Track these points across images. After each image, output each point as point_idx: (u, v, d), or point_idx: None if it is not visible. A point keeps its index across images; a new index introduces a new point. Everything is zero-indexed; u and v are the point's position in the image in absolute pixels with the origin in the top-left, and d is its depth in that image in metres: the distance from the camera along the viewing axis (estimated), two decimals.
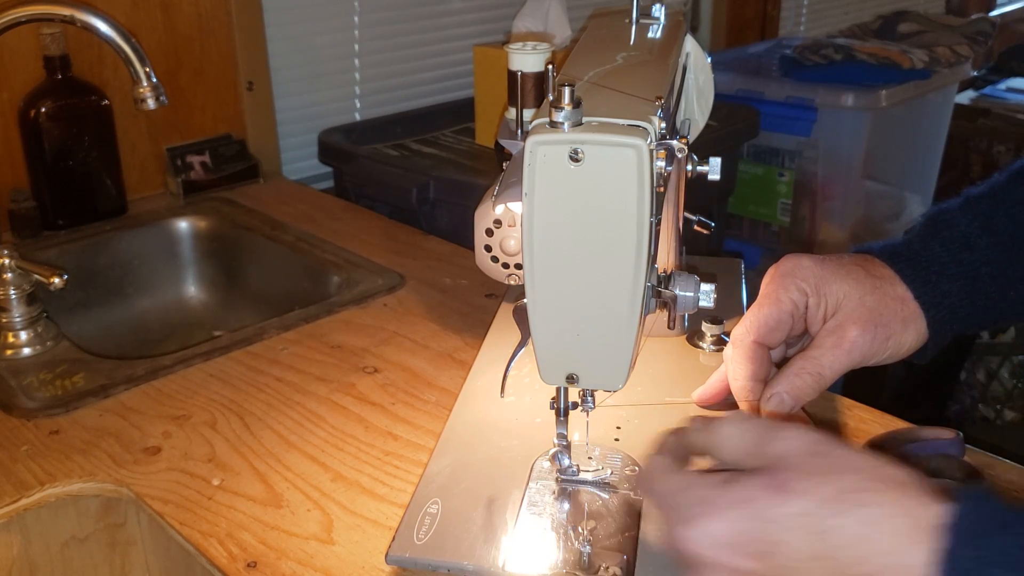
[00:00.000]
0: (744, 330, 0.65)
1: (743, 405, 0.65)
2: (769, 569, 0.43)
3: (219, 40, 1.35)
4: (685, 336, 0.86)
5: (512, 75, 0.74)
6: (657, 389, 0.79)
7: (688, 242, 0.93)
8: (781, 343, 0.66)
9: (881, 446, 0.68)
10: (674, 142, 0.54)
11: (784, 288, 0.64)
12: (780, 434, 0.45)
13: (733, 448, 0.47)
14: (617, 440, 0.72)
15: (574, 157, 0.50)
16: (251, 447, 0.76)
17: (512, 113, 0.73)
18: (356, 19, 1.54)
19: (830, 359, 0.62)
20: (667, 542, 0.47)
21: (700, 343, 0.85)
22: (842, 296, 0.63)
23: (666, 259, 0.81)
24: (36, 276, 0.93)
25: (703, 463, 0.50)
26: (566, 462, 0.67)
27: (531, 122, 0.53)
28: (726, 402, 0.70)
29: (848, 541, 0.41)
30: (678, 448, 0.50)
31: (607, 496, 0.66)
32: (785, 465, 0.44)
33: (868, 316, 0.63)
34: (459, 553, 0.61)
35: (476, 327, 0.94)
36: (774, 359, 0.67)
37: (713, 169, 0.64)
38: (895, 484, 0.42)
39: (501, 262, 0.67)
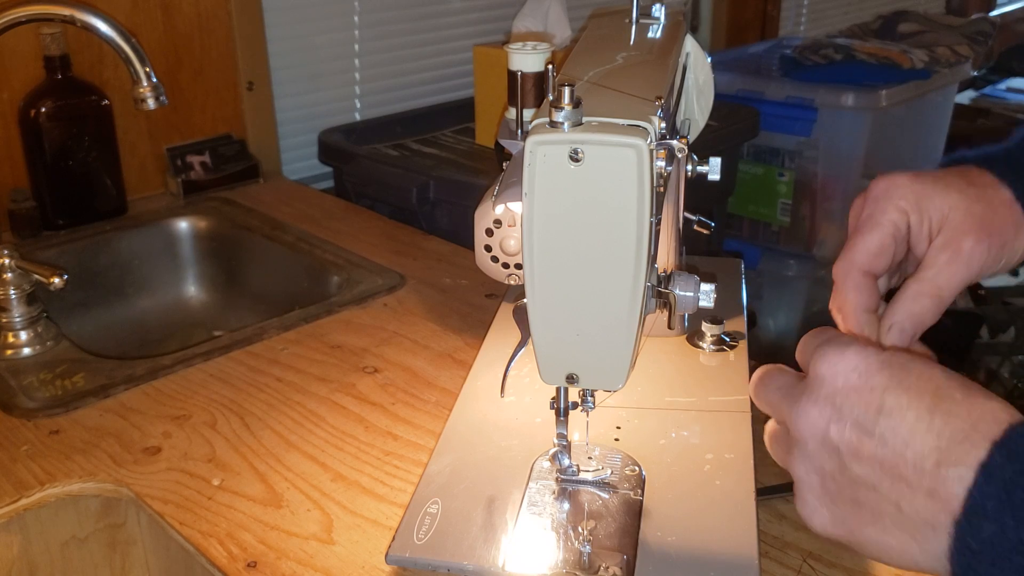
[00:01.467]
0: (847, 262, 0.60)
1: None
2: (873, 452, 0.43)
3: (219, 40, 1.35)
4: (685, 336, 0.86)
5: (512, 75, 0.74)
6: (657, 389, 0.79)
7: (688, 242, 0.93)
8: (887, 271, 0.61)
9: None
10: (674, 142, 0.54)
11: (882, 210, 0.60)
12: (825, 349, 0.46)
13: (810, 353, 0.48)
14: (617, 440, 0.72)
15: (574, 157, 0.50)
16: (251, 447, 0.76)
17: (512, 113, 0.73)
18: (356, 19, 1.54)
19: (947, 276, 0.58)
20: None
21: (700, 343, 0.85)
22: (947, 209, 0.59)
23: (666, 259, 0.81)
24: (36, 276, 0.93)
25: None
26: (566, 462, 0.67)
27: (531, 122, 0.52)
28: None
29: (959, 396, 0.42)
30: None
31: (607, 496, 0.66)
32: (822, 379, 0.46)
33: (979, 225, 0.58)
34: (459, 553, 0.61)
35: (476, 327, 0.94)
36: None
37: (713, 169, 0.64)
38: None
39: (501, 262, 0.67)
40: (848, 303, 0.60)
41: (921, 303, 0.58)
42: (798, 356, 0.50)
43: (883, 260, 0.60)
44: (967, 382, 0.44)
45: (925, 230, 0.59)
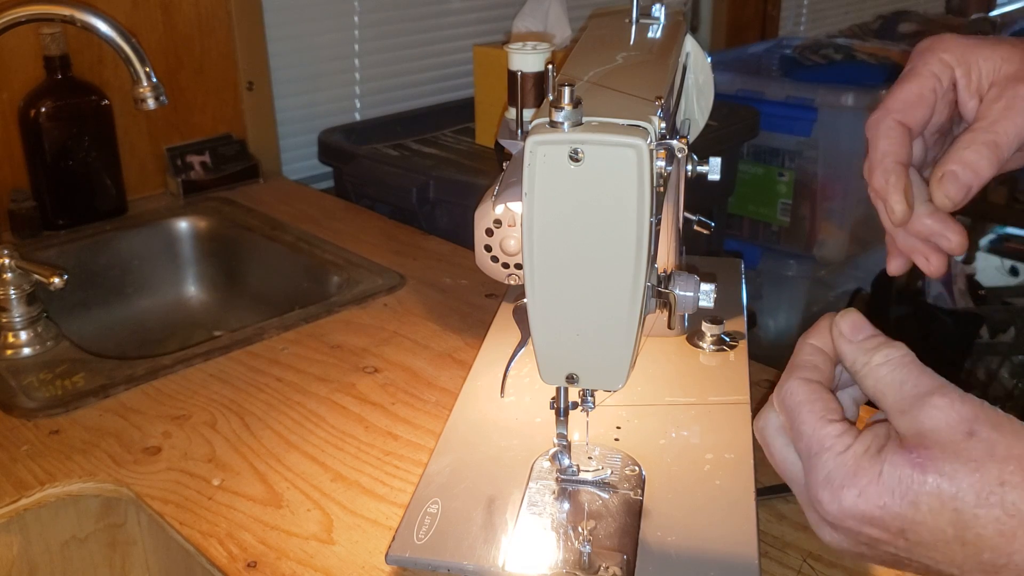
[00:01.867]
0: (881, 110, 0.55)
1: (893, 205, 0.54)
2: (901, 545, 0.43)
3: (219, 40, 1.35)
4: (685, 336, 0.86)
5: (512, 75, 0.74)
6: (657, 389, 0.79)
7: (688, 242, 0.93)
8: (925, 124, 0.56)
9: None
10: (674, 142, 0.54)
11: (924, 61, 0.55)
12: (933, 400, 0.42)
13: (881, 395, 0.45)
14: (617, 440, 0.72)
15: (574, 157, 0.50)
16: (251, 447, 0.76)
17: (512, 113, 0.73)
18: (356, 19, 1.54)
19: (1004, 124, 0.52)
20: (791, 484, 0.46)
21: (700, 343, 0.85)
22: (999, 61, 0.54)
23: (666, 259, 0.81)
24: (36, 276, 0.93)
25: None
26: (566, 462, 0.67)
27: (531, 122, 0.52)
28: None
29: (990, 533, 0.40)
30: (824, 365, 0.48)
31: (607, 496, 0.66)
32: (935, 441, 0.42)
33: None
34: (459, 553, 0.61)
35: (476, 327, 0.94)
36: (915, 160, 0.56)
37: (713, 169, 0.64)
38: None
39: (501, 262, 0.67)
40: (877, 150, 0.54)
41: (977, 151, 0.52)
42: (777, 400, 0.48)
43: (920, 112, 0.55)
44: None
45: (974, 85, 0.55)
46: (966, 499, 0.41)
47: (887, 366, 0.45)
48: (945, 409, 0.42)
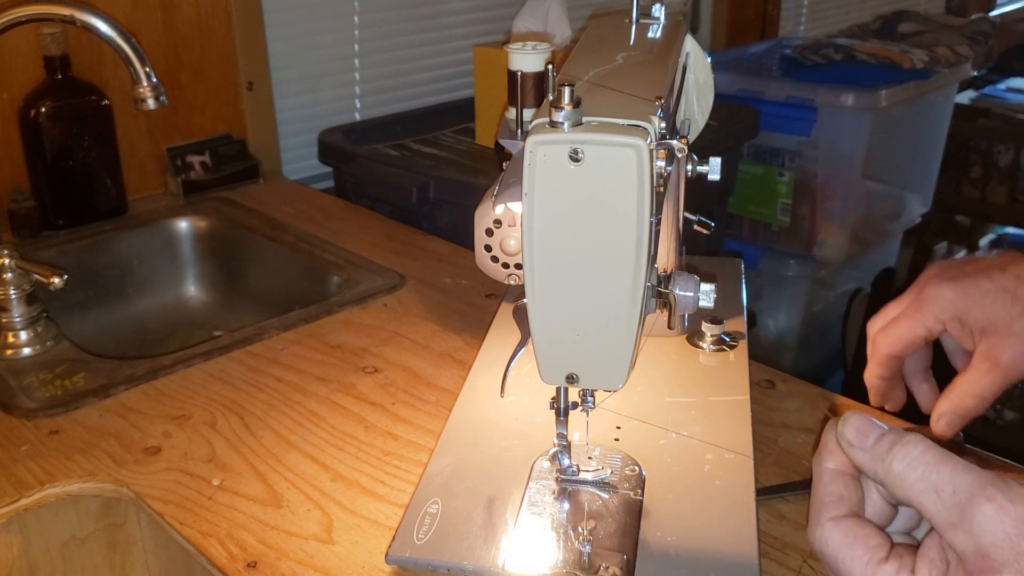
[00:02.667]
0: (885, 340, 0.69)
1: (875, 399, 0.72)
2: None
3: (219, 40, 1.35)
4: (685, 336, 0.86)
5: (512, 75, 0.74)
6: (657, 389, 0.79)
7: (688, 242, 0.93)
8: (916, 354, 0.71)
9: None
10: (674, 142, 0.54)
11: (922, 315, 0.68)
12: (983, 510, 0.40)
13: (921, 506, 0.42)
14: (617, 440, 0.72)
15: (574, 157, 0.50)
16: (251, 447, 0.76)
17: (512, 113, 0.73)
18: (356, 19, 1.54)
19: (987, 382, 0.65)
20: None
21: (700, 343, 0.85)
22: (988, 324, 0.65)
23: (666, 259, 0.81)
24: (36, 276, 0.93)
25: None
26: (566, 462, 0.67)
27: (531, 122, 0.52)
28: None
29: None
30: (848, 493, 0.45)
31: (607, 496, 0.66)
32: (1001, 561, 0.39)
33: (1020, 339, 0.64)
34: (459, 553, 0.61)
35: (476, 327, 0.94)
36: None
37: (713, 169, 0.64)
38: None
39: (501, 262, 0.67)
40: (871, 373, 0.71)
41: (966, 402, 0.66)
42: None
43: (911, 350, 0.70)
44: None
45: (968, 337, 0.67)
46: None
47: (911, 470, 0.42)
48: (997, 518, 0.39)
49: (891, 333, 0.69)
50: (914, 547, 0.43)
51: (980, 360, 0.66)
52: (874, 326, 0.71)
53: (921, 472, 0.42)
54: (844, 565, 0.43)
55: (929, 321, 0.68)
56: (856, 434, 0.45)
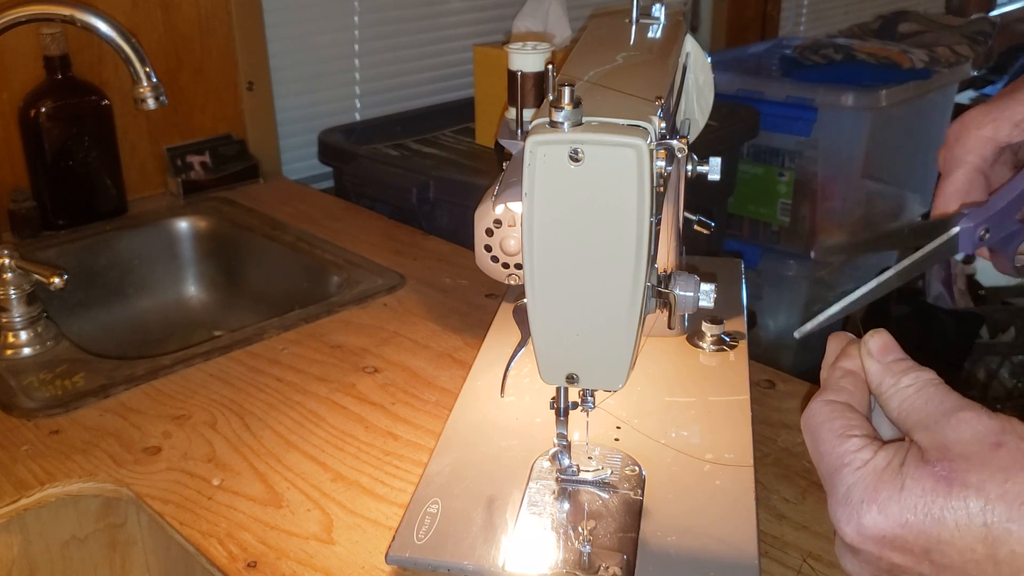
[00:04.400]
0: (941, 204, 0.59)
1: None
2: (927, 572, 0.40)
3: (219, 40, 1.35)
4: (685, 336, 0.86)
5: (512, 75, 0.74)
6: (657, 389, 0.79)
7: (688, 242, 0.93)
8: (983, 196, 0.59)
9: None
10: (674, 142, 0.54)
11: (961, 155, 0.58)
12: (960, 415, 0.41)
13: (906, 413, 0.43)
14: (617, 440, 0.72)
15: (574, 157, 0.50)
16: (251, 447, 0.76)
17: (512, 113, 0.73)
18: (356, 19, 1.54)
19: None
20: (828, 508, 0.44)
21: (700, 343, 0.85)
22: None
23: (666, 259, 0.81)
24: (36, 276, 0.93)
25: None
26: (566, 462, 0.67)
27: (531, 122, 0.52)
28: None
29: (1023, 548, 0.38)
30: (853, 387, 0.46)
31: (607, 496, 0.66)
32: (959, 453, 0.40)
33: None
34: (459, 553, 0.61)
35: (476, 327, 0.94)
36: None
37: (713, 169, 0.64)
38: None
39: (501, 262, 0.67)
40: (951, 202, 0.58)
41: None
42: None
43: (973, 194, 0.58)
44: None
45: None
46: (996, 512, 0.38)
47: (914, 387, 0.43)
48: (971, 422, 0.40)
49: (943, 189, 0.58)
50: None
51: None
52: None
53: (919, 388, 0.43)
54: (819, 437, 0.44)
55: (970, 155, 0.58)
56: (880, 348, 0.46)
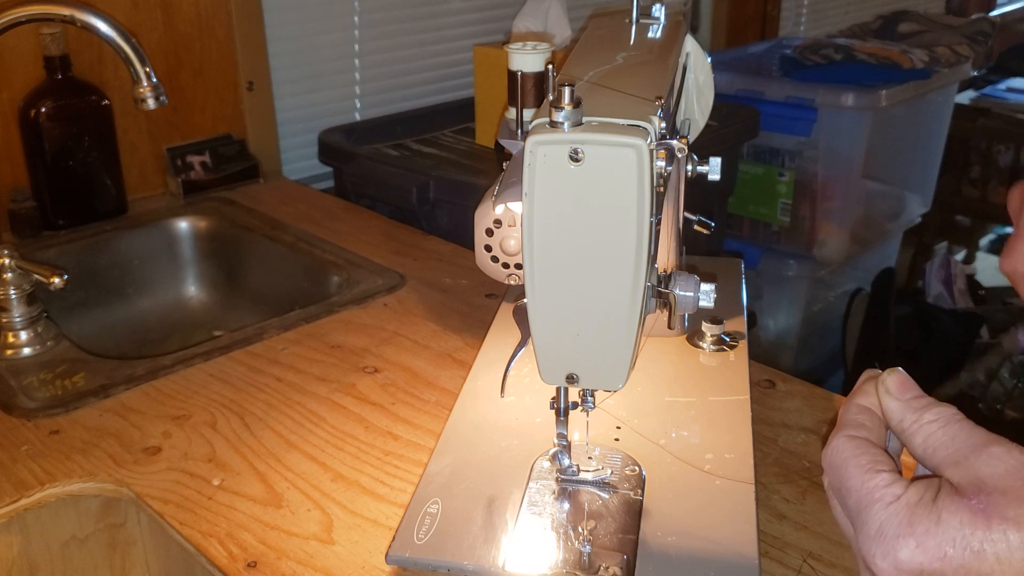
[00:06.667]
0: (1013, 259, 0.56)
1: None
2: None
3: (219, 40, 1.35)
4: (685, 336, 0.86)
5: (512, 75, 0.74)
6: (657, 389, 0.79)
7: (688, 242, 0.93)
8: None
9: None
10: (674, 142, 0.54)
11: None
12: (991, 450, 0.40)
13: (933, 450, 0.43)
14: (617, 440, 0.72)
15: (574, 157, 0.50)
16: (251, 447, 0.76)
17: (512, 113, 0.73)
18: (356, 19, 1.54)
19: None
20: (853, 548, 0.43)
21: (700, 343, 0.85)
22: None
23: (666, 259, 0.81)
24: (36, 276, 0.93)
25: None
26: (566, 462, 0.67)
27: (531, 122, 0.52)
28: None
29: None
30: (872, 424, 0.46)
31: (607, 496, 0.66)
32: (995, 487, 0.39)
33: None
34: (459, 553, 0.61)
35: (476, 327, 0.94)
36: None
37: (713, 169, 0.64)
38: None
39: (501, 262, 0.67)
40: None
41: None
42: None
43: None
44: None
45: None
46: None
47: (938, 423, 0.43)
48: (1003, 457, 0.40)
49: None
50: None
51: None
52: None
53: (944, 424, 0.43)
54: (846, 473, 0.44)
55: None
56: (898, 386, 0.46)
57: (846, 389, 0.90)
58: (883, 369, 0.48)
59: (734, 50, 2.22)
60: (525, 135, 0.52)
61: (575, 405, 0.66)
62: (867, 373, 0.49)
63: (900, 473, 0.44)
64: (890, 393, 0.46)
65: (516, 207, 0.63)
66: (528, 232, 0.52)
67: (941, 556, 0.39)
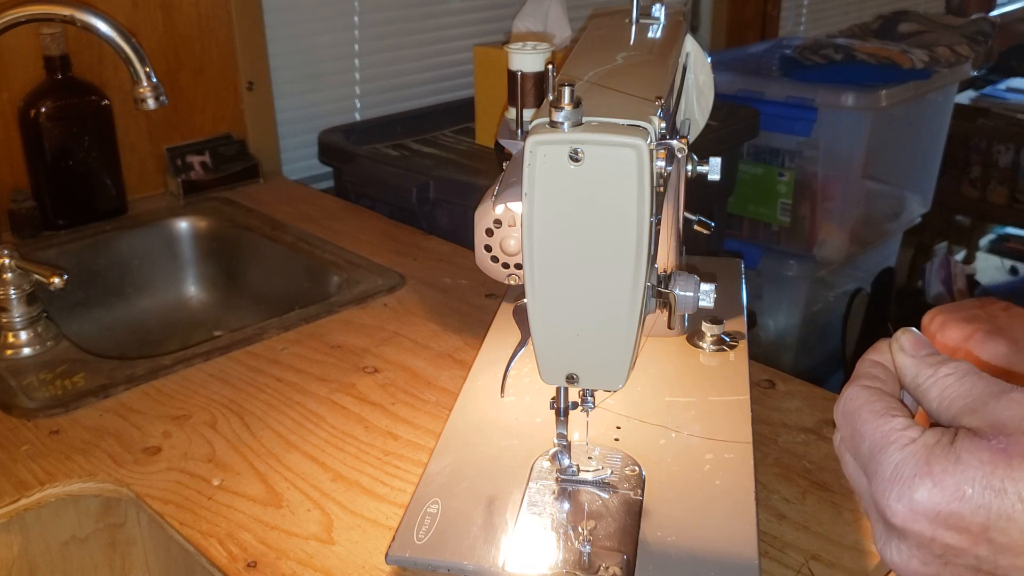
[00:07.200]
0: (956, 333, 0.64)
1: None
2: (984, 555, 0.37)
3: (219, 40, 1.35)
4: (685, 336, 0.86)
5: (512, 75, 0.74)
6: (657, 389, 0.79)
7: (688, 242, 0.93)
8: None
9: None
10: (674, 142, 0.54)
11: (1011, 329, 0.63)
12: (1011, 395, 0.39)
13: (949, 401, 0.41)
14: (617, 440, 0.72)
15: (574, 157, 0.50)
16: (251, 447, 0.76)
17: (512, 113, 0.73)
18: (356, 19, 1.54)
19: None
20: (862, 502, 0.42)
21: (700, 343, 0.85)
22: None
23: (666, 259, 0.81)
24: (36, 276, 0.93)
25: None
26: (566, 462, 0.67)
27: (531, 122, 0.52)
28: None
29: None
30: (886, 377, 0.45)
31: (607, 496, 0.66)
32: (1017, 428, 0.37)
33: None
34: (459, 553, 0.61)
35: (476, 327, 0.94)
36: None
37: (713, 169, 0.64)
38: None
39: (501, 262, 0.67)
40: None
41: None
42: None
43: (969, 349, 0.64)
44: None
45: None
46: None
47: (955, 375, 0.42)
48: (1021, 401, 0.38)
49: (966, 328, 0.63)
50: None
51: None
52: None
53: (961, 376, 0.41)
54: (860, 418, 0.42)
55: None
56: (913, 344, 0.45)
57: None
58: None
59: (734, 50, 2.22)
60: (525, 135, 0.52)
61: (575, 405, 0.66)
62: (880, 342, 0.49)
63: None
64: (904, 350, 0.45)
65: (516, 207, 0.63)
66: (528, 232, 0.52)
67: (960, 496, 0.37)
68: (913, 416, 0.43)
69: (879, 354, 0.47)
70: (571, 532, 0.62)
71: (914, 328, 0.47)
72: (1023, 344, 0.62)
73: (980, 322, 0.64)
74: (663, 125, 0.53)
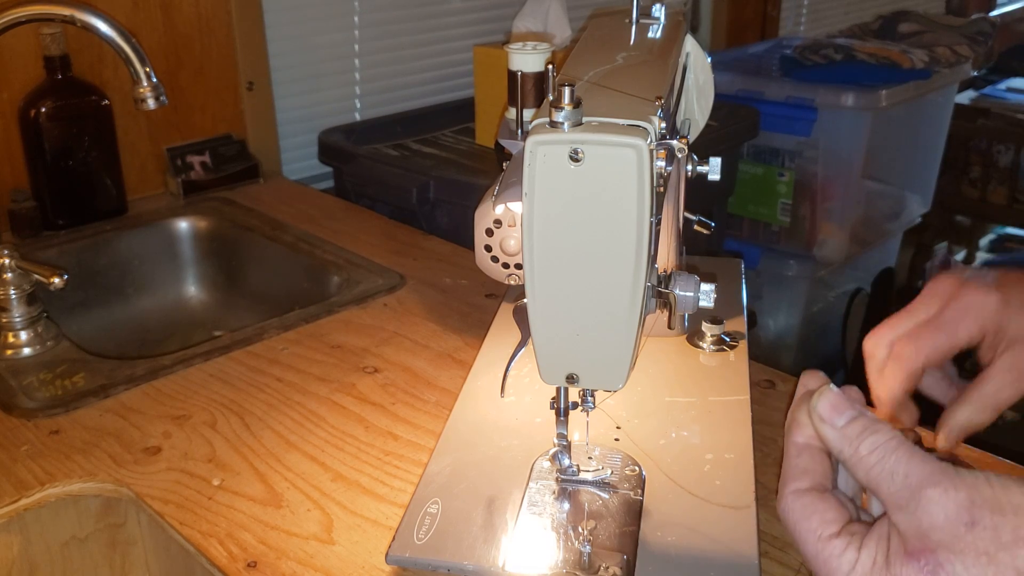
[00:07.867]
0: (913, 351, 0.63)
1: (887, 413, 0.65)
2: None
3: (219, 40, 1.35)
4: (685, 336, 0.86)
5: (512, 75, 0.74)
6: (657, 389, 0.79)
7: (688, 242, 0.93)
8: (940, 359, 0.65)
9: None
10: (674, 142, 0.54)
11: (964, 323, 0.63)
12: (927, 494, 0.41)
13: (876, 485, 0.43)
14: (617, 440, 0.72)
15: (574, 157, 0.50)
16: (251, 447, 0.76)
17: (512, 113, 0.73)
18: (356, 19, 1.54)
19: (1008, 393, 0.62)
20: None
21: (700, 343, 0.85)
22: (1020, 334, 0.62)
23: (666, 259, 0.81)
24: (36, 276, 0.93)
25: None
26: (566, 462, 0.67)
27: (531, 122, 0.52)
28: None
29: None
30: (814, 466, 0.46)
31: (607, 496, 0.66)
32: (938, 541, 0.40)
33: None
34: (459, 553, 0.61)
35: (476, 327, 0.94)
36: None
37: (713, 169, 0.64)
38: None
39: (501, 262, 0.67)
40: (896, 387, 0.64)
41: (980, 416, 0.63)
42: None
43: (943, 361, 0.65)
44: None
45: (996, 346, 0.63)
46: None
47: (875, 455, 0.43)
48: (940, 502, 0.40)
49: (923, 343, 0.63)
50: (869, 524, 0.44)
51: (1004, 370, 0.62)
52: (884, 338, 0.65)
53: (881, 456, 0.43)
54: (800, 536, 0.45)
55: (973, 329, 0.63)
56: (830, 410, 0.45)
57: None
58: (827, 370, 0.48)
59: (734, 50, 2.22)
60: (525, 135, 0.52)
61: (575, 405, 0.66)
62: (803, 382, 0.49)
63: (857, 505, 0.44)
64: (824, 420, 0.45)
65: (516, 207, 0.63)
66: (528, 232, 0.52)
67: None
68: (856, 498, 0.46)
69: (801, 432, 0.47)
70: (571, 532, 0.62)
71: (830, 386, 0.47)
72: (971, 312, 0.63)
73: (938, 325, 0.65)
74: (663, 125, 0.53)
